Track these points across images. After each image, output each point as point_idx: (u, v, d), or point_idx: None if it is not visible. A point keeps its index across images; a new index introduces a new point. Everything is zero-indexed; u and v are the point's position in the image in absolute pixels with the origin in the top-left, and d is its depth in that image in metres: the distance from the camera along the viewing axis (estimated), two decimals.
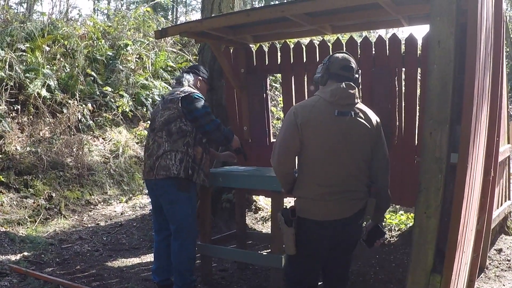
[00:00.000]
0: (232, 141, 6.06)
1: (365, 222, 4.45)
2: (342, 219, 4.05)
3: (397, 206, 9.00)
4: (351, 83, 4.15)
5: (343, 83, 4.11)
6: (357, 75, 4.25)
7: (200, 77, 6.09)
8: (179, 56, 15.93)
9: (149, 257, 7.53)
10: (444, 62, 3.08)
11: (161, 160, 5.52)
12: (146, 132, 13.04)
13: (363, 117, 4.16)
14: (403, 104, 7.35)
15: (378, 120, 4.34)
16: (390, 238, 8.10)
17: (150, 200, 6.03)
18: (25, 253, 7.44)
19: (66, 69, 12.65)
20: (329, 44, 7.98)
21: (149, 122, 5.70)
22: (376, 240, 4.51)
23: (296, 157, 4.21)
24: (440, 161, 3.11)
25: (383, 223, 4.49)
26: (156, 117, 5.72)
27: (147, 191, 11.31)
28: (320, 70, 4.28)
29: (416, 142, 7.31)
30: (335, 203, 4.02)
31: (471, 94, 3.17)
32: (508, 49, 20.91)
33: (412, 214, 8.53)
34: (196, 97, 5.65)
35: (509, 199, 7.80)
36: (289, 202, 10.19)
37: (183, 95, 5.62)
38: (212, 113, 5.81)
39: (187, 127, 5.58)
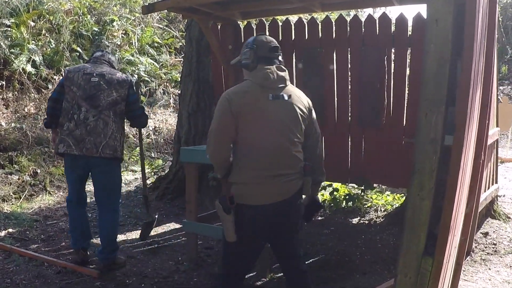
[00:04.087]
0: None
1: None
2: (281, 201, 4.06)
3: (384, 187, 8.99)
4: (281, 66, 4.18)
5: (274, 66, 4.12)
6: (281, 57, 4.24)
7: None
8: (166, 32, 15.81)
9: (134, 234, 7.50)
10: (442, 41, 3.03)
11: (109, 140, 5.81)
12: None
13: (295, 98, 4.17)
14: (392, 84, 7.31)
15: (309, 100, 4.37)
16: (376, 218, 8.11)
17: (72, 171, 6.01)
18: (10, 230, 7.39)
19: (52, 45, 12.51)
20: (318, 22, 7.92)
21: (77, 91, 5.74)
22: (314, 214, 4.55)
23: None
24: (435, 143, 3.07)
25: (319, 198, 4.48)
26: (101, 95, 5.85)
27: (132, 168, 11.27)
28: (247, 55, 4.18)
29: (405, 122, 7.29)
30: (272, 186, 4.02)
31: (469, 76, 3.13)
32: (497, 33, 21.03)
33: (398, 195, 8.55)
34: (134, 82, 6.20)
35: (496, 182, 7.81)
36: None
37: (129, 79, 6.05)
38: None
39: (123, 110, 6.03)
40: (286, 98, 4.09)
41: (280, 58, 4.21)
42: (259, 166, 4.00)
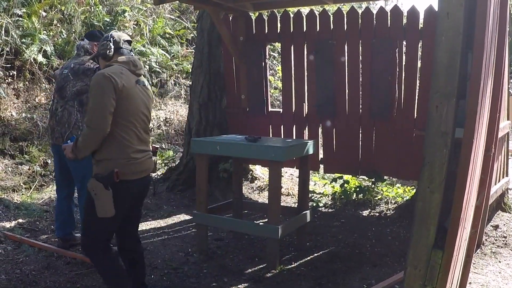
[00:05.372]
0: None
1: None
2: (146, 176, 4.60)
3: (394, 179, 8.98)
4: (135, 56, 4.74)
5: (132, 54, 4.69)
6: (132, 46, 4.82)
7: (95, 42, 6.22)
8: (177, 23, 15.78)
9: (145, 225, 7.51)
10: (453, 34, 3.02)
11: (73, 130, 5.95)
12: None
13: (148, 86, 4.71)
14: (403, 77, 7.31)
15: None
16: (387, 211, 8.10)
17: (54, 160, 6.50)
18: (20, 220, 7.41)
19: (63, 35, 12.50)
20: (329, 14, 7.91)
21: (55, 85, 6.01)
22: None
23: None
24: (446, 136, 3.06)
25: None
26: (68, 86, 6.02)
27: None
28: (106, 46, 4.59)
29: (416, 115, 7.28)
30: (141, 162, 4.47)
31: (479, 69, 3.11)
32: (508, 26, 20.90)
33: (409, 187, 8.54)
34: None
35: (506, 175, 7.79)
36: (285, 172, 10.18)
37: (95, 67, 6.00)
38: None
39: None
40: (145, 83, 4.65)
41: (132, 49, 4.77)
42: (131, 142, 4.38)
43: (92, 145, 4.32)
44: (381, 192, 8.60)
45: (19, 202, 8.17)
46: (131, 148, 4.35)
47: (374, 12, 7.52)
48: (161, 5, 14.59)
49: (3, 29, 10.85)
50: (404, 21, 7.35)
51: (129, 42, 4.73)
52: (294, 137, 8.38)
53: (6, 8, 11.57)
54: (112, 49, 4.57)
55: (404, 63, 7.35)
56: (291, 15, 8.23)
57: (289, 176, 10.42)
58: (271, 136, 8.66)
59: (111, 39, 4.62)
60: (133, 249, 4.83)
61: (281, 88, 9.18)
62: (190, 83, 10.60)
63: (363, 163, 7.90)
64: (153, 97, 4.78)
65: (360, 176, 8.56)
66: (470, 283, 5.24)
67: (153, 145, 4.78)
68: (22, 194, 8.61)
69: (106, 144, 4.31)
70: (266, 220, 6.50)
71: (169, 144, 12.64)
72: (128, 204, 4.48)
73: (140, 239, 4.98)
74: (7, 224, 7.16)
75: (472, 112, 3.14)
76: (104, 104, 4.21)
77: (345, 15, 7.66)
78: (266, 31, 8.46)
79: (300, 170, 6.72)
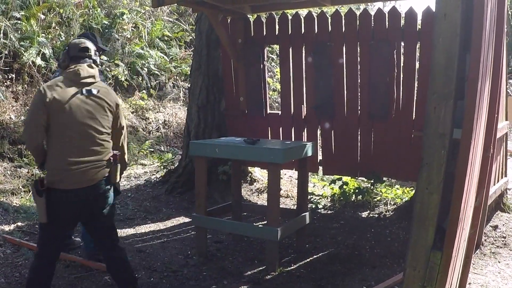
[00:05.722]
0: None
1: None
2: (89, 187, 4.47)
3: (393, 180, 8.98)
4: (91, 63, 4.66)
5: (85, 64, 4.59)
6: (95, 57, 4.75)
7: None
8: (176, 26, 15.79)
9: (144, 228, 7.52)
10: (450, 35, 3.03)
11: None
12: (141, 102, 12.99)
13: (103, 93, 4.60)
14: (401, 78, 7.32)
15: (115, 95, 4.81)
16: (386, 212, 8.10)
17: None
18: (19, 223, 7.41)
19: (61, 38, 12.51)
20: (327, 16, 7.92)
21: None
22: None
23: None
24: (444, 137, 3.07)
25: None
26: None
27: (142, 161, 11.33)
28: (62, 57, 4.74)
29: (414, 116, 7.29)
30: (81, 172, 4.41)
31: (477, 70, 3.12)
32: (506, 26, 20.95)
33: (408, 188, 8.54)
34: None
35: (505, 175, 7.79)
36: (284, 174, 10.19)
37: None
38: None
39: None
40: (95, 92, 4.52)
41: (92, 57, 4.71)
42: (70, 155, 4.38)
43: (32, 154, 4.59)
44: (380, 193, 8.59)
45: (18, 205, 8.17)
46: (65, 160, 4.36)
47: (372, 13, 7.53)
48: (159, 8, 14.58)
49: (1, 32, 10.86)
50: (402, 22, 7.36)
51: (85, 49, 4.67)
52: (293, 139, 8.38)
53: (5, 11, 11.58)
54: (67, 59, 4.62)
55: (402, 65, 7.36)
56: (289, 17, 8.23)
57: (288, 178, 10.42)
58: (270, 138, 8.66)
59: (67, 48, 4.72)
60: (111, 257, 4.83)
61: (280, 90, 9.18)
62: (189, 85, 10.60)
63: (362, 165, 7.91)
64: (112, 103, 4.64)
65: (359, 178, 8.56)
66: (469, 283, 5.24)
67: (114, 152, 4.69)
68: (21, 197, 8.61)
69: (48, 154, 4.46)
70: (266, 222, 6.50)
71: (168, 147, 12.66)
72: (69, 213, 4.49)
73: (118, 247, 4.86)
74: (6, 227, 7.16)
75: (470, 113, 3.15)
76: (33, 117, 4.42)
77: (343, 17, 7.67)
78: (265, 33, 8.46)
79: (299, 172, 6.72)
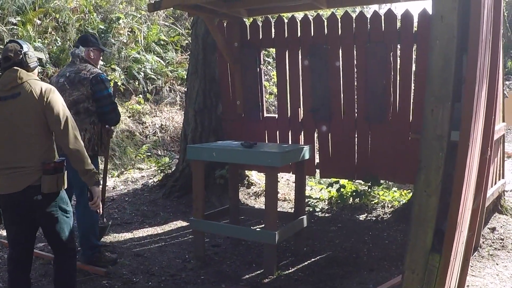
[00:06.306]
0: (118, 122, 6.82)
1: None
2: (15, 193, 4.31)
3: (391, 183, 8.98)
4: (14, 67, 4.37)
5: (8, 70, 4.38)
6: (21, 56, 4.42)
7: (90, 48, 6.28)
8: (172, 30, 15.79)
9: (141, 232, 7.51)
10: (447, 37, 3.03)
11: None
12: (138, 106, 12.98)
13: (28, 92, 4.34)
14: (398, 80, 7.32)
15: (48, 88, 4.47)
16: (383, 215, 8.10)
17: None
18: None
19: (58, 43, 12.52)
20: (323, 19, 7.92)
21: None
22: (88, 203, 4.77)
23: None
24: (441, 139, 3.07)
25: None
26: (64, 95, 5.75)
27: (139, 166, 11.32)
28: None
29: (411, 118, 7.29)
30: (5, 178, 4.32)
31: (474, 72, 3.12)
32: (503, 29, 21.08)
33: (405, 191, 8.54)
34: (102, 78, 6.07)
35: (503, 177, 7.79)
36: (281, 177, 10.18)
37: (91, 76, 5.97)
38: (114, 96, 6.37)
39: (92, 107, 6.03)
40: (19, 95, 4.31)
41: (18, 59, 4.41)
42: None
43: None
44: (378, 196, 8.59)
45: None
46: None
47: (368, 16, 7.53)
48: (155, 12, 14.59)
49: None
50: (398, 24, 7.37)
51: (6, 59, 4.43)
52: (290, 142, 8.37)
53: (1, 17, 11.59)
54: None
55: (399, 67, 7.36)
56: (285, 21, 8.23)
57: (286, 181, 10.41)
58: (266, 141, 8.65)
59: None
60: (55, 261, 4.75)
61: (276, 94, 9.18)
62: (185, 89, 10.60)
63: (359, 167, 7.90)
64: (37, 104, 4.31)
65: (357, 180, 8.55)
66: (468, 286, 5.24)
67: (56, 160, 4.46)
68: None
69: None
70: (263, 225, 6.49)
71: (165, 151, 12.65)
72: (5, 216, 4.50)
73: (61, 250, 4.66)
74: (3, 232, 7.14)
75: (467, 115, 3.15)
76: None
77: (339, 20, 7.67)
78: (261, 37, 8.46)
79: (296, 175, 6.72)
